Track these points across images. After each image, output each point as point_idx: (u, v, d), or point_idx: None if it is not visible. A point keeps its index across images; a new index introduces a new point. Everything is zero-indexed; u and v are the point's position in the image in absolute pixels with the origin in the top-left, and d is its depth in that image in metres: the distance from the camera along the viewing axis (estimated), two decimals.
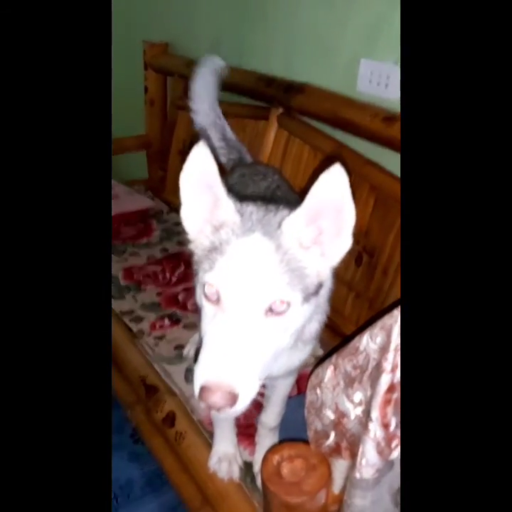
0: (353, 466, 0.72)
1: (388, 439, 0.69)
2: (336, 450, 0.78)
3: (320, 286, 0.73)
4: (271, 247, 0.68)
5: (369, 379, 0.71)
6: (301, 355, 0.91)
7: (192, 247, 0.77)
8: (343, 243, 0.72)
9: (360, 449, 0.69)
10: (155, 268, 1.77)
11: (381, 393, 0.68)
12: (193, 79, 1.45)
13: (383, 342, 0.69)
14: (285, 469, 0.79)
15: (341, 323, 1.42)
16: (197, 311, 0.79)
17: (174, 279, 1.71)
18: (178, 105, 2.09)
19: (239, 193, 1.14)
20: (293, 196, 1.16)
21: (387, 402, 0.68)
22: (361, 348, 0.73)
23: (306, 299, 0.70)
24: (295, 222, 0.70)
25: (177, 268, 1.76)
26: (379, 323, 0.70)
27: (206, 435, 1.13)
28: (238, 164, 1.35)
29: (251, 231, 0.70)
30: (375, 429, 0.68)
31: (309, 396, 0.81)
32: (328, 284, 0.88)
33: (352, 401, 0.74)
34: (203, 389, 0.61)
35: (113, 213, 1.97)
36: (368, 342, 0.71)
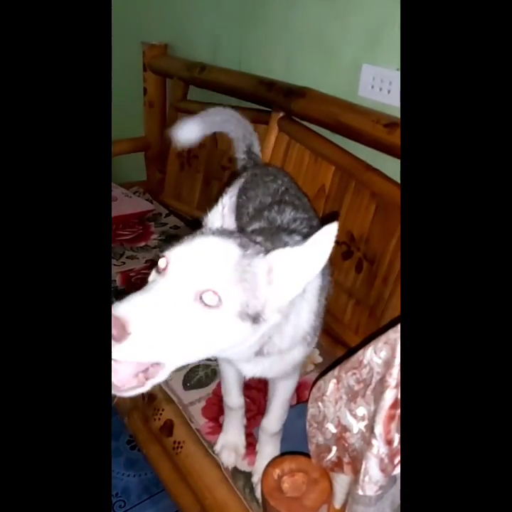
0: (355, 482, 0.71)
1: (391, 456, 0.68)
2: (338, 464, 0.77)
3: (258, 316, 0.71)
4: (235, 252, 0.71)
5: (372, 394, 0.70)
6: (293, 357, 0.90)
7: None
8: (295, 292, 0.73)
9: (363, 466, 0.68)
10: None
11: (385, 409, 0.67)
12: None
13: (387, 356, 0.68)
14: (286, 483, 0.78)
15: (341, 331, 1.41)
16: None
17: None
18: (177, 107, 2.07)
19: (248, 192, 1.18)
20: (300, 200, 1.17)
21: (391, 418, 0.67)
22: (365, 361, 0.71)
23: (242, 315, 0.69)
24: (279, 257, 0.72)
25: None
26: (383, 337, 0.69)
27: (205, 444, 1.12)
28: (251, 166, 1.40)
29: (227, 237, 0.73)
30: (378, 446, 0.67)
31: (311, 409, 0.80)
32: (318, 281, 0.89)
33: (355, 415, 0.73)
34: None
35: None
36: (372, 356, 0.70)
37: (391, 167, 1.29)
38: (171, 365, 0.69)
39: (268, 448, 1.06)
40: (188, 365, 1.34)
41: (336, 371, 0.76)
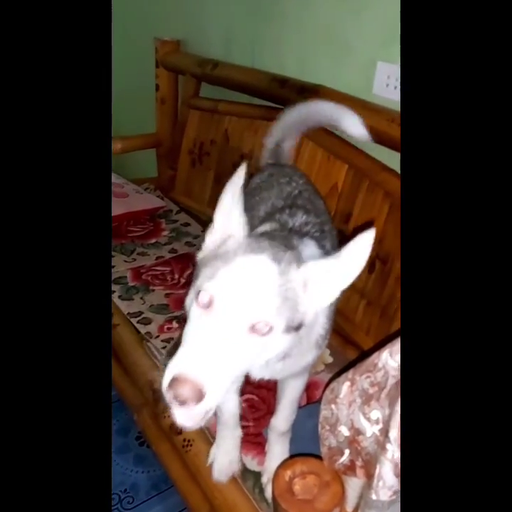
0: (369, 487, 0.70)
1: None
2: (351, 468, 0.76)
3: (301, 325, 0.74)
4: (274, 271, 0.70)
5: (387, 397, 0.69)
6: (306, 360, 0.90)
7: (199, 253, 0.80)
8: (330, 300, 0.75)
9: (377, 470, 0.67)
10: (163, 269, 1.75)
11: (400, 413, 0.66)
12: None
13: None
14: (297, 486, 0.77)
15: (352, 331, 1.40)
16: None
17: (183, 280, 1.69)
18: (189, 104, 2.07)
19: (262, 193, 1.17)
20: (314, 203, 1.15)
21: None
22: (380, 364, 0.71)
23: (288, 329, 0.71)
24: (315, 269, 0.73)
25: (186, 269, 1.74)
26: (399, 341, 0.68)
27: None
28: (270, 164, 1.36)
29: (260, 251, 0.72)
30: (393, 450, 0.66)
31: (324, 411, 0.79)
32: None
33: (368, 419, 0.72)
34: (173, 379, 0.62)
35: (122, 212, 1.96)
36: (388, 359, 0.69)
37: None
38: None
39: (277, 447, 1.05)
40: None
41: (349, 374, 0.76)
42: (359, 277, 1.38)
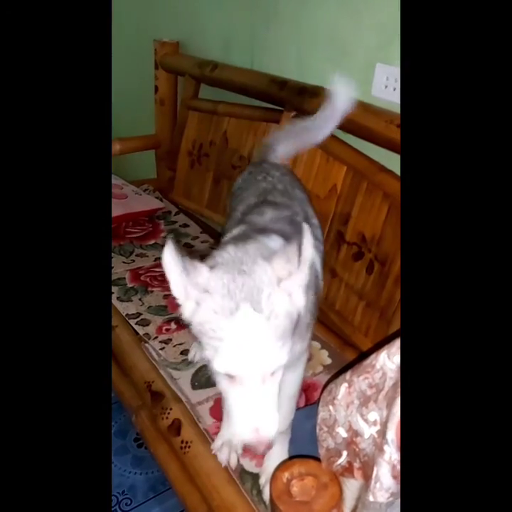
0: (366, 488, 0.70)
1: None
2: (348, 469, 0.76)
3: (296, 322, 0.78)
4: (261, 320, 0.72)
5: (385, 399, 0.69)
6: (294, 349, 0.90)
7: (183, 313, 0.78)
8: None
9: (375, 472, 0.67)
10: (162, 270, 1.74)
11: (398, 415, 0.66)
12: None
13: None
14: (295, 487, 0.77)
15: (351, 333, 1.40)
16: None
17: None
18: (188, 105, 2.07)
19: (243, 193, 1.17)
20: (289, 195, 1.15)
21: None
22: (378, 366, 0.70)
23: (290, 336, 0.77)
24: (293, 285, 0.75)
25: None
26: (397, 342, 0.68)
27: None
28: (252, 164, 1.37)
29: (238, 306, 0.72)
30: (390, 452, 0.66)
31: (322, 413, 0.79)
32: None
33: (366, 420, 0.72)
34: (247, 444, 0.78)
35: (121, 213, 1.96)
36: (385, 361, 0.69)
37: None
38: None
39: (276, 448, 1.05)
40: (196, 364, 1.34)
41: (347, 375, 0.76)
42: (358, 279, 1.40)
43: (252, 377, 0.74)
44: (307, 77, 1.60)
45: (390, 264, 1.31)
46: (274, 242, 0.87)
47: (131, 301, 1.59)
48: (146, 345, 1.40)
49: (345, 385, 0.75)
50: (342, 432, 0.76)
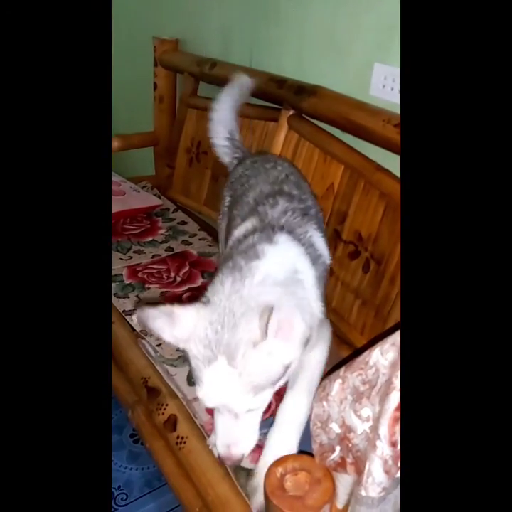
0: (358, 483, 0.70)
1: (395, 458, 0.68)
2: (341, 465, 0.77)
3: (287, 368, 0.85)
4: (234, 374, 0.80)
5: (378, 395, 0.70)
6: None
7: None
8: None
9: (367, 467, 0.68)
10: (159, 267, 1.76)
11: (390, 410, 0.66)
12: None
13: (394, 358, 0.68)
14: (289, 482, 0.78)
15: (347, 331, 1.41)
16: None
17: (179, 278, 1.70)
18: (187, 103, 2.07)
19: (250, 180, 1.22)
20: (299, 188, 1.17)
21: (396, 419, 0.67)
22: (371, 362, 0.71)
23: (273, 384, 0.84)
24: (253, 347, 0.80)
25: (182, 267, 1.75)
26: (390, 339, 0.69)
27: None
28: (248, 155, 1.40)
29: (216, 357, 0.80)
30: (382, 447, 0.67)
31: (316, 408, 0.80)
32: (312, 272, 0.99)
33: (359, 416, 0.73)
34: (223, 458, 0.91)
35: (119, 210, 1.96)
36: (379, 357, 0.70)
37: None
38: None
39: (272, 442, 1.02)
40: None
41: (341, 371, 0.76)
42: (354, 277, 1.41)
43: (225, 410, 0.85)
44: (305, 76, 1.61)
45: (386, 263, 1.32)
46: (279, 244, 0.94)
47: (128, 297, 1.60)
48: (143, 341, 1.41)
49: (339, 381, 0.76)
50: (335, 428, 0.77)
